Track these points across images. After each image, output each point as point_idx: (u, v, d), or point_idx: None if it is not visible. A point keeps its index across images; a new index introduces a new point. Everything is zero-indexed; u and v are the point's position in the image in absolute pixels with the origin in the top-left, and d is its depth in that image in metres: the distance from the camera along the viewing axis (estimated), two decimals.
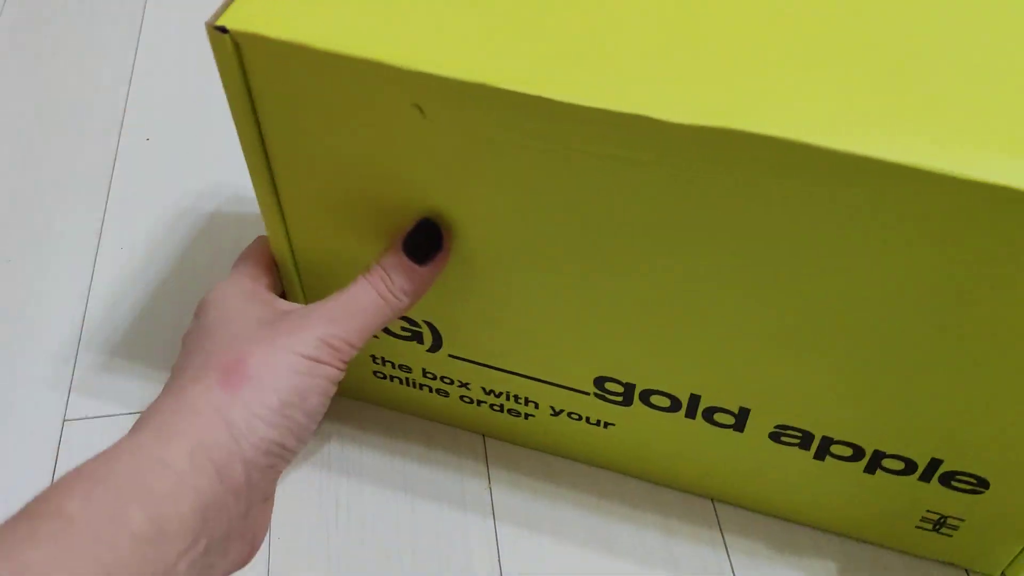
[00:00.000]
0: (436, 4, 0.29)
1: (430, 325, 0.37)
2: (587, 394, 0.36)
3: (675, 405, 0.35)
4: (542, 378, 0.37)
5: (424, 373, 0.39)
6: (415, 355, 0.38)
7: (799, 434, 0.34)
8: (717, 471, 0.38)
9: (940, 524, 0.36)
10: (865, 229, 0.26)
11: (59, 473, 0.41)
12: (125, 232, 0.51)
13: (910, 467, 0.34)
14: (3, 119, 0.57)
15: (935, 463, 0.33)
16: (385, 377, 0.40)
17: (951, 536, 0.36)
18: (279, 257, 0.36)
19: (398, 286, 0.32)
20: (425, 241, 0.32)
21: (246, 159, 0.33)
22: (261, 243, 0.37)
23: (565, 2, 0.29)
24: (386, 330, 0.38)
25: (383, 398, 0.42)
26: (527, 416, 0.39)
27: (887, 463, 0.34)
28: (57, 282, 0.49)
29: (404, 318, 0.37)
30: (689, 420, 0.36)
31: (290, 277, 0.37)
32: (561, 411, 0.38)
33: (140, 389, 0.44)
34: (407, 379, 0.40)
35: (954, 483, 0.33)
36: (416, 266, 0.32)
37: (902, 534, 0.37)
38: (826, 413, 0.33)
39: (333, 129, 0.30)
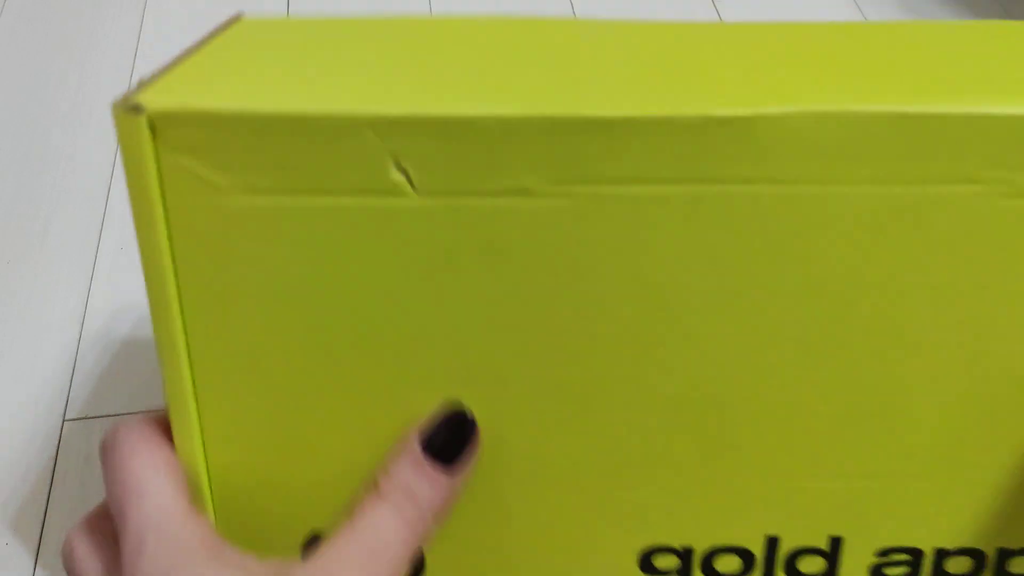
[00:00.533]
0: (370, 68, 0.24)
1: None
2: None
3: (747, 563, 0.26)
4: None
5: None
6: None
7: (906, 556, 0.27)
8: None
9: None
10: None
11: (59, 473, 0.41)
12: (125, 232, 0.51)
13: None
14: (3, 119, 0.57)
15: None
16: None
17: None
18: (185, 464, 0.24)
19: (426, 504, 0.23)
20: (452, 437, 0.24)
21: (148, 295, 0.23)
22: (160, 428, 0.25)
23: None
24: None
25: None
26: None
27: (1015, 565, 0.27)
28: (57, 282, 0.49)
29: None
30: None
31: (199, 493, 0.25)
32: None
33: (140, 389, 0.44)
34: None
35: None
36: (442, 473, 0.23)
37: None
38: (936, 512, 0.26)
39: (272, 245, 0.22)
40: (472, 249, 0.23)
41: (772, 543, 0.26)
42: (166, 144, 0.22)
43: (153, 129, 0.22)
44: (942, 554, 0.26)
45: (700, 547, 0.26)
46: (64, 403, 0.44)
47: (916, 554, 0.26)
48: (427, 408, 0.24)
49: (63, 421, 0.43)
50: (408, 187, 0.22)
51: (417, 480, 0.23)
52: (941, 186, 0.22)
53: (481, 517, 0.26)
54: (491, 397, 0.24)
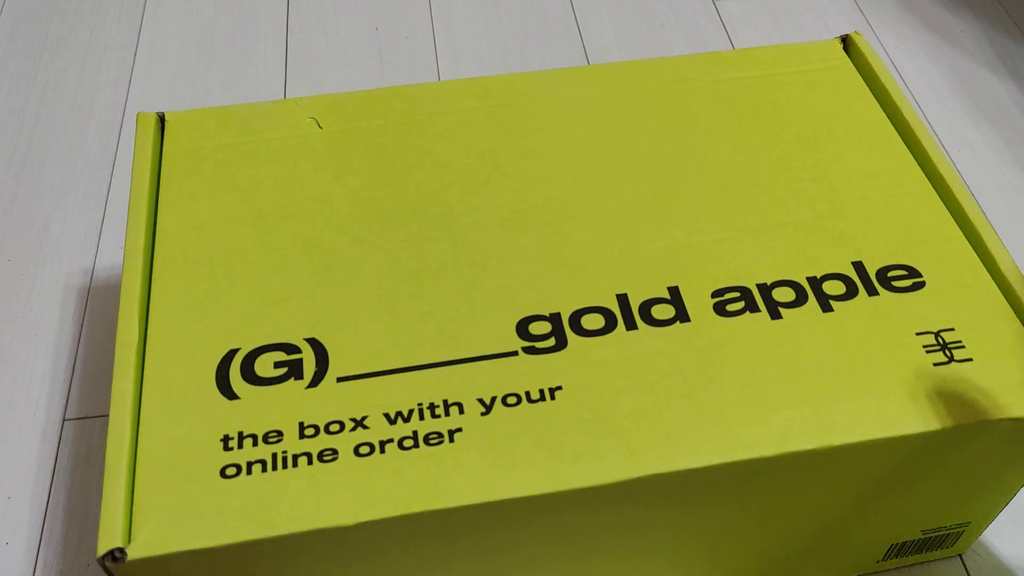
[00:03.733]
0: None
1: (314, 343, 0.31)
2: (515, 354, 0.31)
3: (609, 318, 0.33)
4: (462, 355, 0.31)
5: (301, 432, 0.29)
6: (290, 404, 0.30)
7: (737, 293, 0.34)
8: None
9: None
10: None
11: (59, 473, 0.41)
12: (125, 232, 0.51)
13: None
14: (3, 118, 0.57)
15: None
16: (240, 471, 0.28)
17: None
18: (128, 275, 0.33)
19: None
20: None
21: None
22: None
23: None
24: (252, 377, 0.30)
25: (227, 525, 0.27)
26: (452, 435, 0.29)
27: None
28: (57, 282, 0.49)
29: (276, 346, 0.31)
30: None
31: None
32: (493, 399, 0.30)
33: None
34: (275, 457, 0.28)
35: None
36: None
37: None
38: (747, 257, 0.35)
39: None
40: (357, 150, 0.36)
41: (623, 299, 0.32)
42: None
43: None
44: (764, 288, 0.33)
45: (565, 311, 0.32)
46: (64, 403, 0.44)
47: (744, 291, 0.33)
48: (333, 246, 0.33)
49: (63, 421, 0.43)
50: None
51: None
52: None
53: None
54: (380, 243, 0.34)
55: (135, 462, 0.28)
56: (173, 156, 0.36)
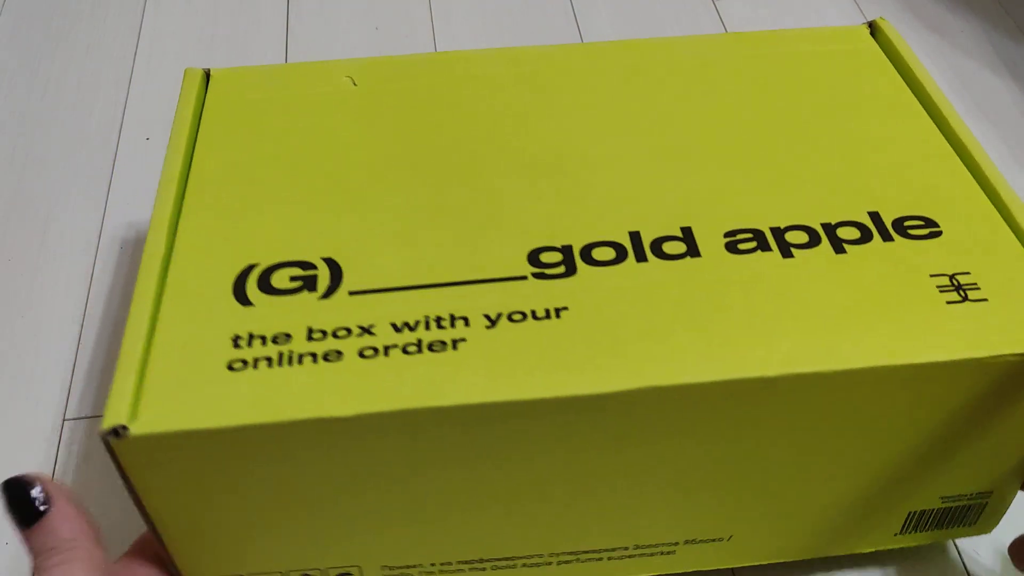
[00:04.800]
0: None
1: (330, 262, 0.32)
2: (524, 278, 0.32)
3: (620, 252, 0.33)
4: (473, 278, 0.32)
5: (309, 335, 0.30)
6: (301, 312, 0.31)
7: (750, 234, 0.34)
8: None
9: None
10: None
11: (59, 473, 0.41)
12: (125, 232, 0.51)
13: None
14: (3, 118, 0.57)
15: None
16: (246, 366, 0.29)
17: None
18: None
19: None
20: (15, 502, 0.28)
21: None
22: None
23: None
24: (267, 288, 0.32)
25: (229, 410, 0.28)
26: (456, 343, 0.30)
27: None
28: (57, 281, 0.49)
29: (294, 263, 0.32)
30: None
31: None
32: (499, 315, 0.31)
33: None
34: (281, 356, 0.30)
35: None
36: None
37: None
38: (761, 200, 0.35)
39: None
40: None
41: (635, 235, 0.33)
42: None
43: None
44: (777, 231, 0.33)
45: (577, 244, 0.33)
46: (64, 403, 0.44)
47: (757, 233, 0.33)
48: (358, 184, 0.35)
49: (63, 421, 0.43)
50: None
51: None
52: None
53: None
54: (404, 183, 0.35)
55: (148, 354, 0.29)
56: (214, 105, 0.38)
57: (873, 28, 0.43)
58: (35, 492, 0.28)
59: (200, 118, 0.38)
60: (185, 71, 0.39)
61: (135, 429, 0.27)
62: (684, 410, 0.30)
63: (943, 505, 0.36)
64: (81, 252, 0.50)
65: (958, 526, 0.37)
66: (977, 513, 0.37)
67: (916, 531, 0.37)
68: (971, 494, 0.36)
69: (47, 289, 0.48)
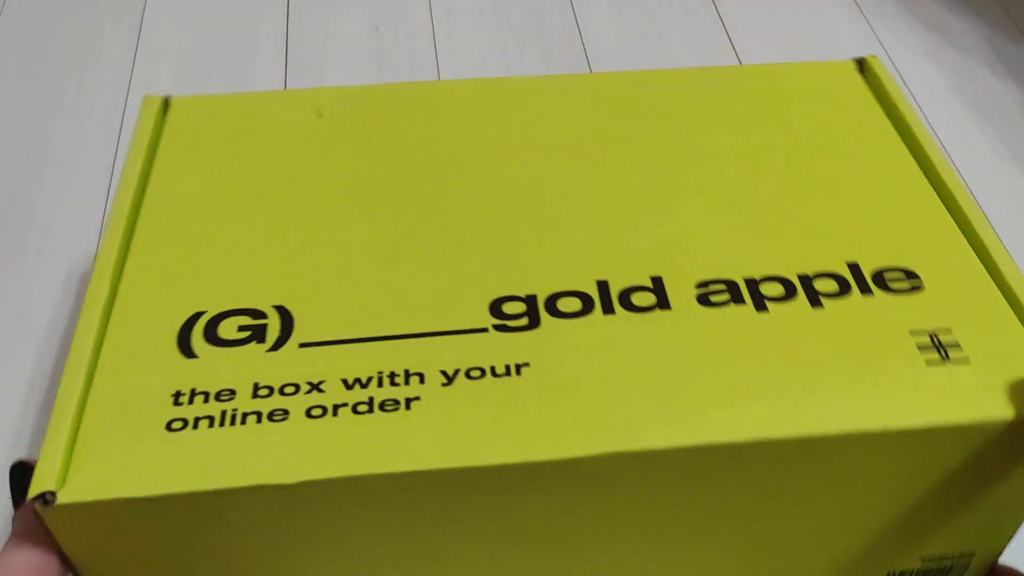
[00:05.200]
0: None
1: (281, 310, 0.31)
2: (484, 331, 0.31)
3: (587, 303, 0.32)
4: (430, 329, 0.31)
5: (255, 391, 0.28)
6: (248, 365, 0.29)
7: (722, 286, 0.33)
8: None
9: None
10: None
11: None
12: None
13: None
14: (3, 118, 0.57)
15: None
16: (186, 425, 0.27)
17: None
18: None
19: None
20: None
21: None
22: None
23: None
24: (213, 339, 0.30)
25: (164, 476, 0.27)
26: (409, 402, 0.29)
27: None
28: (57, 282, 0.49)
29: (243, 310, 0.31)
30: None
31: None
32: (456, 372, 0.30)
33: None
34: (224, 414, 0.28)
35: None
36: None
37: None
38: (734, 250, 0.34)
39: None
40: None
41: (603, 285, 0.31)
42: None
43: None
44: (752, 282, 0.32)
45: (542, 293, 0.31)
46: None
47: (730, 284, 0.32)
48: (316, 222, 0.33)
49: None
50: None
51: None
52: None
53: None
54: (364, 223, 0.33)
55: (83, 410, 0.28)
56: (171, 134, 0.36)
57: (862, 65, 0.41)
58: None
59: (156, 149, 0.36)
60: (144, 99, 0.37)
61: (63, 497, 0.25)
62: (646, 474, 0.28)
63: (924, 566, 0.35)
64: (81, 253, 0.50)
65: None
66: (959, 572, 0.36)
67: None
68: (954, 555, 0.35)
69: (46, 291, 0.48)
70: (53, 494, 0.25)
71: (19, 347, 0.46)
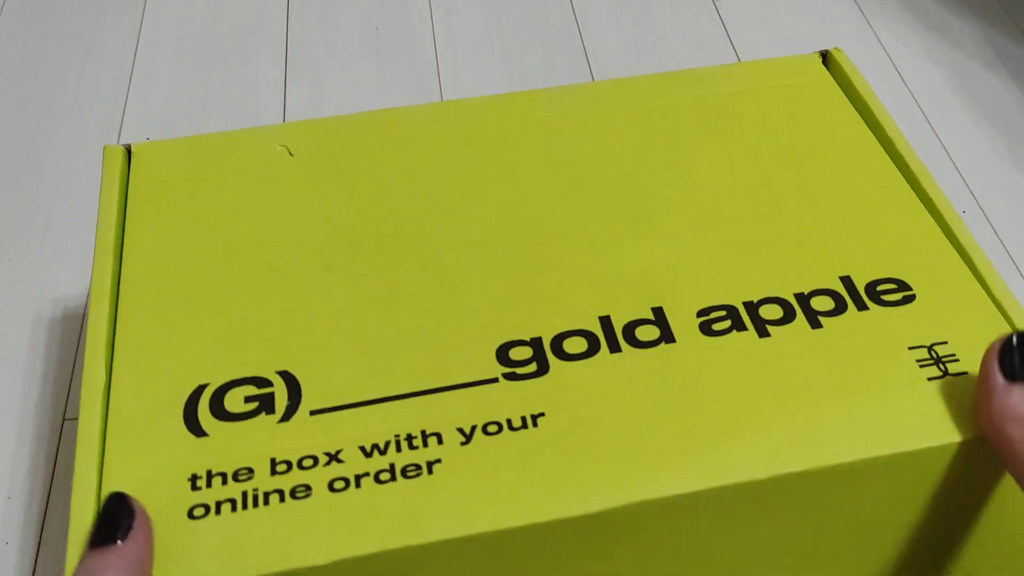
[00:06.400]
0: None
1: (285, 375, 0.30)
2: (495, 381, 0.30)
3: (592, 342, 0.32)
4: (441, 384, 0.30)
5: (273, 468, 0.28)
6: (261, 439, 0.28)
7: (723, 311, 0.33)
8: None
9: None
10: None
11: (59, 473, 0.41)
12: None
13: None
14: (3, 118, 0.57)
15: None
16: (208, 511, 0.27)
17: None
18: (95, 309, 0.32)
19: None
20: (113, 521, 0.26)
21: None
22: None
23: None
24: (221, 413, 0.29)
25: (193, 568, 0.26)
26: (431, 466, 0.28)
27: None
28: (57, 281, 0.49)
29: (246, 379, 0.30)
30: None
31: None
32: (473, 428, 0.29)
33: None
34: (245, 496, 0.27)
35: None
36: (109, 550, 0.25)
37: None
38: (732, 274, 0.34)
39: None
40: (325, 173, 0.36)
41: (606, 320, 0.32)
42: None
43: None
44: (751, 305, 0.32)
45: (547, 335, 0.31)
46: (64, 403, 0.44)
47: (731, 309, 0.32)
48: (303, 274, 0.33)
49: (63, 421, 0.43)
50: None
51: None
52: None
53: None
54: (352, 270, 0.33)
55: (99, 507, 0.27)
56: (139, 188, 0.35)
57: (826, 58, 0.41)
58: (124, 519, 0.26)
59: (126, 205, 0.34)
60: (104, 149, 0.36)
61: None
62: (671, 517, 0.28)
63: None
64: (81, 252, 0.50)
65: None
66: None
67: None
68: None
69: (47, 289, 0.48)
70: None
71: (20, 345, 0.46)
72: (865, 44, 0.64)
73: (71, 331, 0.47)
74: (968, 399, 0.29)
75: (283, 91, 0.59)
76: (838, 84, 0.40)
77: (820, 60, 0.42)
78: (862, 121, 0.39)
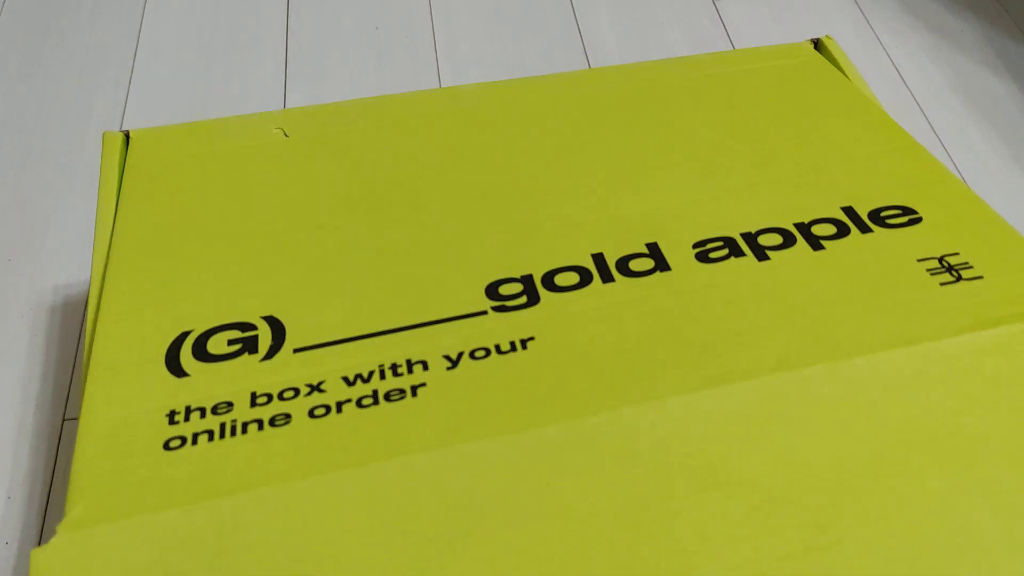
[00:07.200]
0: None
1: (271, 320, 0.30)
2: (484, 313, 0.30)
3: (584, 275, 0.31)
4: (428, 319, 0.30)
5: (253, 400, 0.28)
6: (243, 377, 0.28)
7: (720, 242, 0.33)
8: None
9: None
10: None
11: (59, 473, 0.41)
12: None
13: None
14: (3, 118, 0.57)
15: None
16: (185, 443, 0.27)
17: None
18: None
19: None
20: None
21: None
22: None
23: None
24: (203, 356, 0.29)
25: (167, 494, 0.26)
26: (415, 390, 0.27)
27: None
28: (56, 282, 0.49)
29: (231, 325, 0.30)
30: None
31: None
32: (460, 355, 0.28)
33: None
34: (224, 427, 0.27)
35: None
36: None
37: None
38: (729, 210, 0.34)
39: None
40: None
41: (599, 257, 0.31)
42: None
43: None
44: (749, 236, 0.32)
45: (537, 272, 0.31)
46: (64, 403, 0.44)
47: (728, 240, 0.32)
48: (294, 233, 0.33)
49: (63, 421, 0.43)
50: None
51: None
52: None
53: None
54: (344, 228, 0.33)
55: (74, 443, 0.27)
56: (135, 167, 0.36)
57: (817, 45, 0.42)
58: None
59: (121, 183, 0.35)
60: (103, 135, 0.37)
61: (64, 533, 0.24)
62: (669, 423, 0.27)
63: None
64: (81, 251, 0.50)
65: None
66: None
67: None
68: None
69: (47, 288, 0.48)
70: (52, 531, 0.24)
71: (20, 345, 0.46)
72: (865, 44, 0.64)
73: (71, 331, 0.47)
74: (987, 299, 0.29)
75: (283, 91, 0.59)
76: (833, 65, 0.41)
77: (812, 47, 0.42)
78: (857, 88, 0.39)
